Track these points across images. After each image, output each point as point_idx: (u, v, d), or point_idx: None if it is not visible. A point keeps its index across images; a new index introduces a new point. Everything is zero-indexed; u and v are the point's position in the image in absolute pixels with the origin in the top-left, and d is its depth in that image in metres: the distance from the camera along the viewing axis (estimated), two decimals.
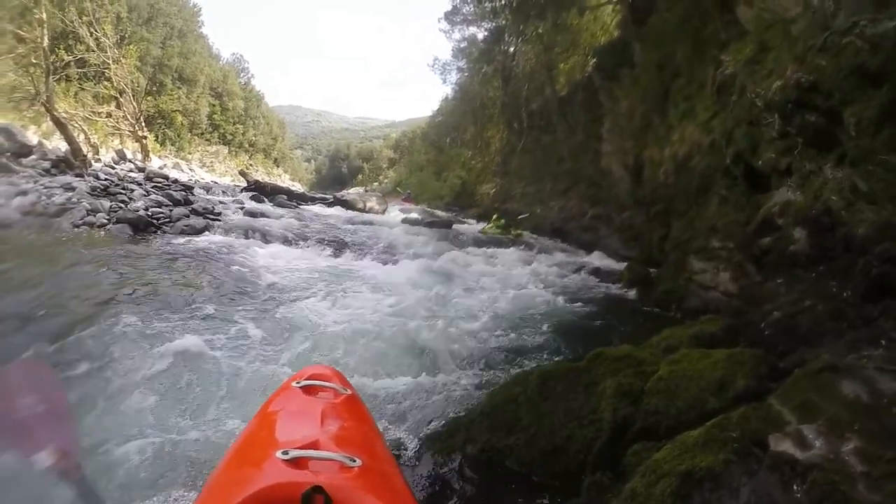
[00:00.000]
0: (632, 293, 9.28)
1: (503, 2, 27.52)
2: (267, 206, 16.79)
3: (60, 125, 17.50)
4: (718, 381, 3.10)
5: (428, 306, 7.00)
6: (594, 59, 18.87)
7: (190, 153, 55.46)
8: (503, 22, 29.64)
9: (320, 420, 1.79)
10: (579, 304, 8.16)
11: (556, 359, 5.09)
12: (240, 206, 15.64)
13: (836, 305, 4.33)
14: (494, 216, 18.43)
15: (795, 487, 2.02)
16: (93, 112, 30.43)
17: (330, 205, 22.23)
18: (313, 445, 1.56)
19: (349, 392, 2.16)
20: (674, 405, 3.09)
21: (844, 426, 2.16)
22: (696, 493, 2.20)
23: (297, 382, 2.12)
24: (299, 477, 1.39)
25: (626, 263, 11.26)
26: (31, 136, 16.24)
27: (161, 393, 3.91)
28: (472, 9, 33.19)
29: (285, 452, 1.46)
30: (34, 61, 21.02)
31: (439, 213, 25.01)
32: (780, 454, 2.17)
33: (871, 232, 4.20)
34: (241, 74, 75.94)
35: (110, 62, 29.11)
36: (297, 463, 1.44)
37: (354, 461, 1.47)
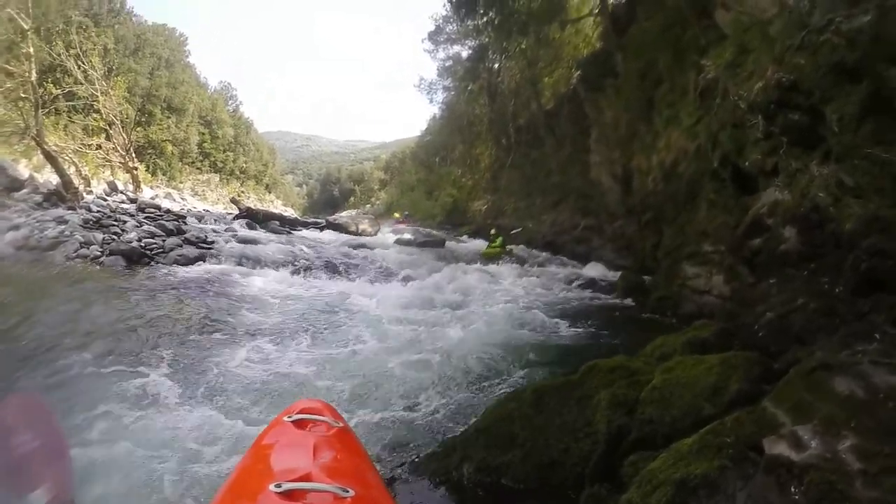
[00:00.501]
0: (627, 302, 9.27)
1: (485, 20, 27.72)
2: (259, 233, 16.74)
3: (51, 158, 17.53)
4: (712, 387, 3.06)
5: (420, 328, 6.94)
6: (578, 72, 18.96)
7: (181, 182, 55.49)
8: (486, 39, 29.84)
9: (313, 453, 1.77)
10: (574, 316, 8.13)
11: (552, 373, 5.03)
12: (232, 233, 15.56)
13: (827, 302, 4.30)
14: (492, 234, 17.62)
15: (792, 489, 1.97)
16: (83, 144, 30.44)
17: (322, 229, 22.22)
18: (306, 478, 1.53)
19: (341, 425, 2.14)
20: (668, 413, 3.05)
21: (840, 424, 2.12)
22: (692, 501, 2.17)
23: (289, 416, 2.11)
24: None
25: (619, 273, 11.27)
26: (23, 170, 16.23)
27: (148, 430, 3.84)
28: (455, 28, 33.50)
29: (279, 485, 1.44)
30: (23, 95, 21.00)
31: (432, 232, 25.02)
32: (775, 457, 2.13)
33: (858, 226, 4.19)
34: (230, 102, 76.26)
35: (99, 94, 29.16)
36: (290, 495, 1.42)
37: (347, 491, 1.45)
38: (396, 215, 38.29)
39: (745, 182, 6.58)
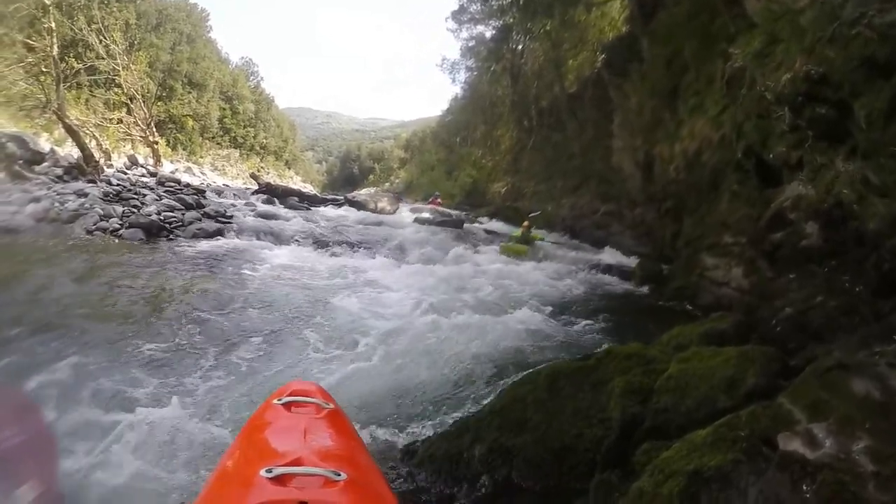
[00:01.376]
0: (644, 290, 9.25)
1: (510, 0, 27.47)
2: (278, 209, 16.83)
3: (72, 132, 17.60)
4: (729, 379, 3.07)
5: (435, 309, 6.94)
6: (602, 56, 18.71)
7: (201, 157, 55.69)
8: (510, 20, 29.60)
9: (303, 436, 1.79)
10: (590, 301, 8.14)
11: (566, 357, 5.04)
12: (251, 208, 15.69)
13: (848, 301, 4.29)
14: (524, 226, 14.44)
15: (805, 487, 1.99)
16: (104, 118, 30.68)
17: (341, 206, 22.22)
18: (297, 462, 1.54)
19: (332, 406, 2.14)
20: (683, 403, 3.07)
21: (855, 425, 2.12)
22: (704, 493, 2.18)
23: (279, 399, 2.11)
24: (284, 494, 1.38)
25: (637, 260, 11.24)
26: (44, 144, 16.27)
27: (154, 408, 3.84)
28: (479, 7, 33.21)
29: (269, 470, 1.45)
30: (44, 70, 21.20)
31: (451, 212, 25.00)
32: (789, 453, 2.14)
33: (882, 226, 4.15)
34: (251, 78, 76.10)
35: (120, 69, 29.22)
36: (281, 480, 1.43)
37: (339, 475, 1.46)
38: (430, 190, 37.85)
39: (769, 174, 6.51)
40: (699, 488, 2.20)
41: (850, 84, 5.02)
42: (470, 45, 37.17)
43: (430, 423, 3.99)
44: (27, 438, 1.74)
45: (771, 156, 6.35)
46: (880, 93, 4.62)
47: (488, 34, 34.33)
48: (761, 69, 7.06)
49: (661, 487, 2.31)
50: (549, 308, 7.45)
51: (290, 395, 2.15)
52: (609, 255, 13.18)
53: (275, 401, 2.10)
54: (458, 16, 35.32)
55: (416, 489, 3.14)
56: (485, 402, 4.02)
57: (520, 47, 31.49)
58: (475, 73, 40.14)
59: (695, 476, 2.24)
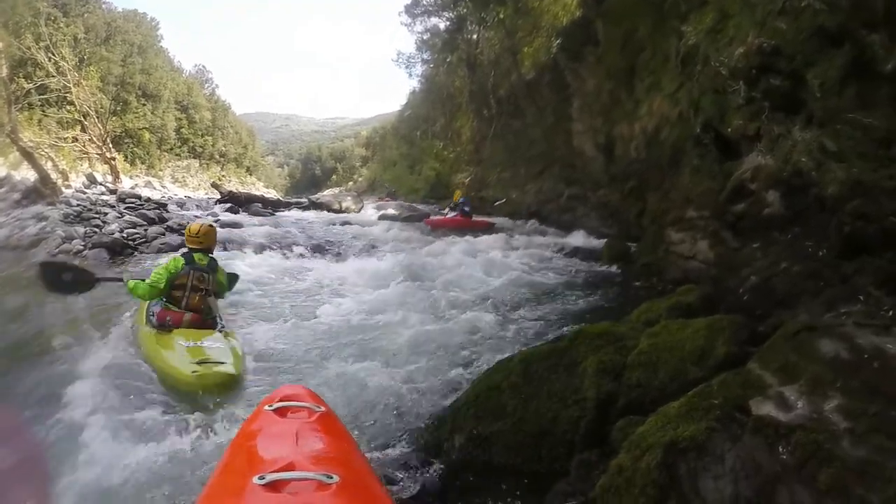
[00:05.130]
0: (613, 269, 9.33)
1: None
2: (242, 217, 16.83)
3: (27, 154, 17.31)
4: (699, 350, 3.12)
5: (405, 303, 6.90)
6: (558, 41, 18.80)
7: (161, 170, 55.00)
8: (464, 10, 29.59)
9: (295, 440, 1.79)
10: (561, 284, 8.18)
11: (540, 342, 5.04)
12: (215, 218, 15.53)
13: (811, 265, 4.37)
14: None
15: (780, 449, 2.01)
16: (58, 138, 30.17)
17: (305, 208, 22.25)
18: (289, 467, 1.54)
19: (323, 409, 2.15)
20: (656, 377, 3.11)
21: (826, 385, 2.16)
22: (682, 463, 2.20)
23: (270, 405, 2.12)
24: (277, 500, 1.39)
25: (605, 241, 11.32)
26: None
27: (136, 426, 3.67)
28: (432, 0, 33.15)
29: (262, 477, 1.45)
30: None
31: (416, 206, 24.96)
32: (762, 418, 2.17)
33: (841, 190, 4.22)
34: (206, 85, 75.15)
35: (71, 85, 28.76)
36: (274, 486, 1.43)
37: (332, 478, 1.46)
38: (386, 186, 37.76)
39: (728, 147, 6.59)
40: (676, 459, 2.22)
41: (803, 55, 5.10)
42: (425, 37, 37.16)
43: (415, 415, 3.95)
44: (19, 459, 1.72)
45: (729, 129, 6.43)
46: (832, 61, 4.71)
47: (442, 26, 34.36)
48: (714, 45, 7.14)
49: (639, 462, 2.32)
50: (521, 296, 7.48)
51: (280, 400, 2.16)
52: (577, 238, 13.29)
53: (266, 407, 2.11)
54: (412, 9, 35.29)
55: (409, 486, 3.11)
56: (460, 393, 3.99)
57: (475, 37, 31.50)
58: (431, 65, 40.13)
59: (671, 448, 2.25)
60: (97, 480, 3.03)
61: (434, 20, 35.34)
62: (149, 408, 4.02)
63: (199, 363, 4.12)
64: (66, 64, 29.12)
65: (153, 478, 3.12)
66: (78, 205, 13.38)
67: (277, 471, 1.50)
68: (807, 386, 2.21)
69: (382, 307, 6.79)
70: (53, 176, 17.82)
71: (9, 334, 5.71)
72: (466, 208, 16.84)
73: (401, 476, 3.18)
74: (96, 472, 3.10)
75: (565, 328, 5.66)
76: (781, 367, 2.42)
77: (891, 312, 2.60)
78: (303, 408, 2.13)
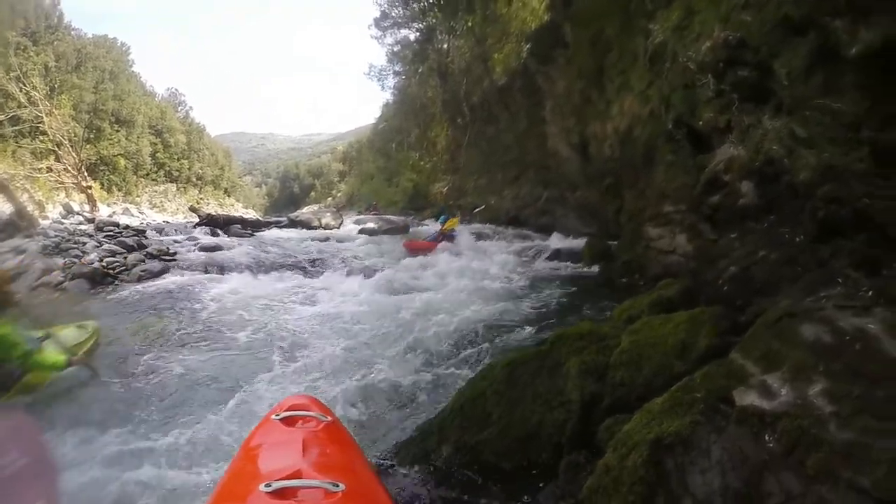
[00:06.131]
0: (594, 269, 9.35)
1: (431, 0, 27.56)
2: (222, 239, 16.59)
3: (2, 187, 17.10)
4: (681, 344, 3.11)
5: (389, 316, 6.91)
6: (528, 45, 18.90)
7: (138, 196, 54.39)
8: (433, 20, 29.71)
9: (302, 449, 1.79)
10: (543, 287, 8.19)
11: (524, 346, 5.03)
12: (194, 242, 15.39)
13: (789, 252, 4.38)
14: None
15: (766, 438, 2.00)
16: (33, 169, 29.88)
17: (285, 227, 22.12)
18: (296, 475, 1.54)
19: (330, 419, 2.16)
20: (640, 375, 3.10)
21: (809, 370, 2.14)
22: (668, 459, 2.18)
23: (277, 415, 2.13)
24: None
25: (585, 240, 11.35)
26: None
27: (130, 450, 3.68)
28: (401, 11, 33.26)
29: (268, 485, 1.45)
30: None
31: (395, 218, 24.96)
32: (746, 408, 2.15)
33: (813, 176, 4.25)
34: (179, 108, 74.58)
35: (43, 115, 28.55)
36: (281, 494, 1.43)
37: (338, 486, 1.46)
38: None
39: (700, 141, 6.63)
40: (662, 455, 2.21)
41: (768, 45, 5.14)
42: (395, 49, 37.30)
43: (411, 424, 3.95)
44: (29, 462, 1.70)
45: (700, 123, 6.47)
46: (797, 50, 4.74)
47: (412, 37, 34.50)
48: (682, 41, 7.19)
49: (625, 460, 2.31)
50: (503, 300, 7.49)
51: (287, 409, 2.18)
52: (557, 240, 13.36)
53: (273, 416, 2.13)
54: (381, 22, 35.35)
55: (414, 495, 3.08)
56: (444, 403, 3.97)
57: (445, 46, 31.71)
58: (403, 77, 40.30)
59: (656, 444, 2.24)
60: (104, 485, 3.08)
61: (404, 32, 35.55)
62: (124, 444, 3.97)
63: None
64: (37, 93, 28.96)
65: (161, 483, 3.17)
66: (56, 235, 13.21)
67: (284, 479, 1.50)
68: (790, 372, 2.19)
69: (364, 322, 6.84)
70: (30, 207, 17.65)
71: None
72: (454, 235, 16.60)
73: (405, 486, 3.16)
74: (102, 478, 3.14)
75: (549, 331, 5.65)
76: (763, 356, 2.40)
77: (870, 293, 2.58)
78: (310, 417, 2.14)
